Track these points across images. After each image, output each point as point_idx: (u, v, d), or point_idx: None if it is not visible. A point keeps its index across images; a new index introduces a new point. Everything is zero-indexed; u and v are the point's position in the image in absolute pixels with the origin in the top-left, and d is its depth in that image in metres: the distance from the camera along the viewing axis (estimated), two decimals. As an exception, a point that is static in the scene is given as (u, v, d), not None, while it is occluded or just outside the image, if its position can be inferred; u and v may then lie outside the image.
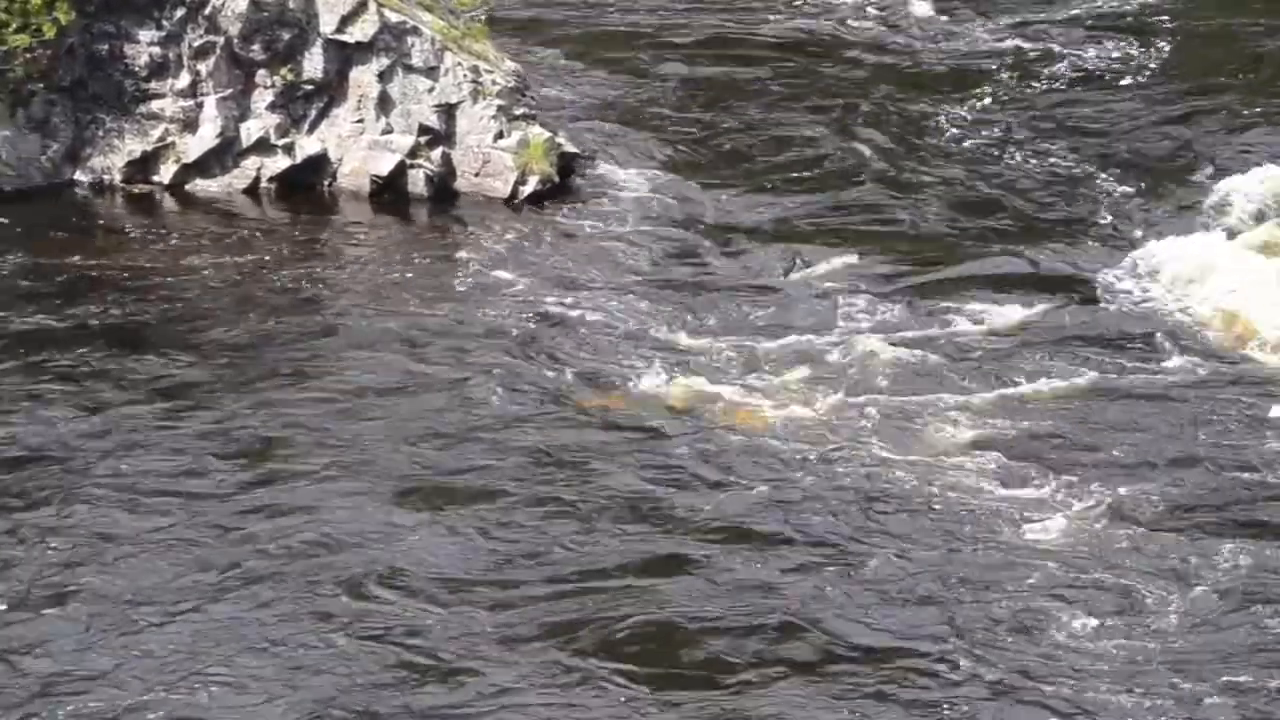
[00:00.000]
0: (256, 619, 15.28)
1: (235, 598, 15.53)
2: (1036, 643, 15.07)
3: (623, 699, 14.51)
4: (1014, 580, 15.83)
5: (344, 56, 23.57)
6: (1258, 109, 25.44)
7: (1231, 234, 22.05)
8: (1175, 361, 19.56)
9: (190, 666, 14.73)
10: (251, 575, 15.80)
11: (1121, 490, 17.14)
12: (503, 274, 21.53)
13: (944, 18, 29.03)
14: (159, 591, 15.57)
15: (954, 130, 25.21)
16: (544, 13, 29.20)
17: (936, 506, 16.90)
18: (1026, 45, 27.72)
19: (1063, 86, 26.49)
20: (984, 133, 25.13)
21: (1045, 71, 26.94)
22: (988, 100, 26.04)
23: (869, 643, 15.04)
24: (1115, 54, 27.36)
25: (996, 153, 24.58)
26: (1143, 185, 23.52)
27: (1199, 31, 28.18)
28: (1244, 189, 22.86)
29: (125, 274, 21.48)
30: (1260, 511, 16.88)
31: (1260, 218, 22.42)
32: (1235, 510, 16.94)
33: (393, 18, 23.53)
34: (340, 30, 23.46)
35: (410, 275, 21.62)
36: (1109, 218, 22.79)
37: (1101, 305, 20.83)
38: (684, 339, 20.01)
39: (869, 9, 29.11)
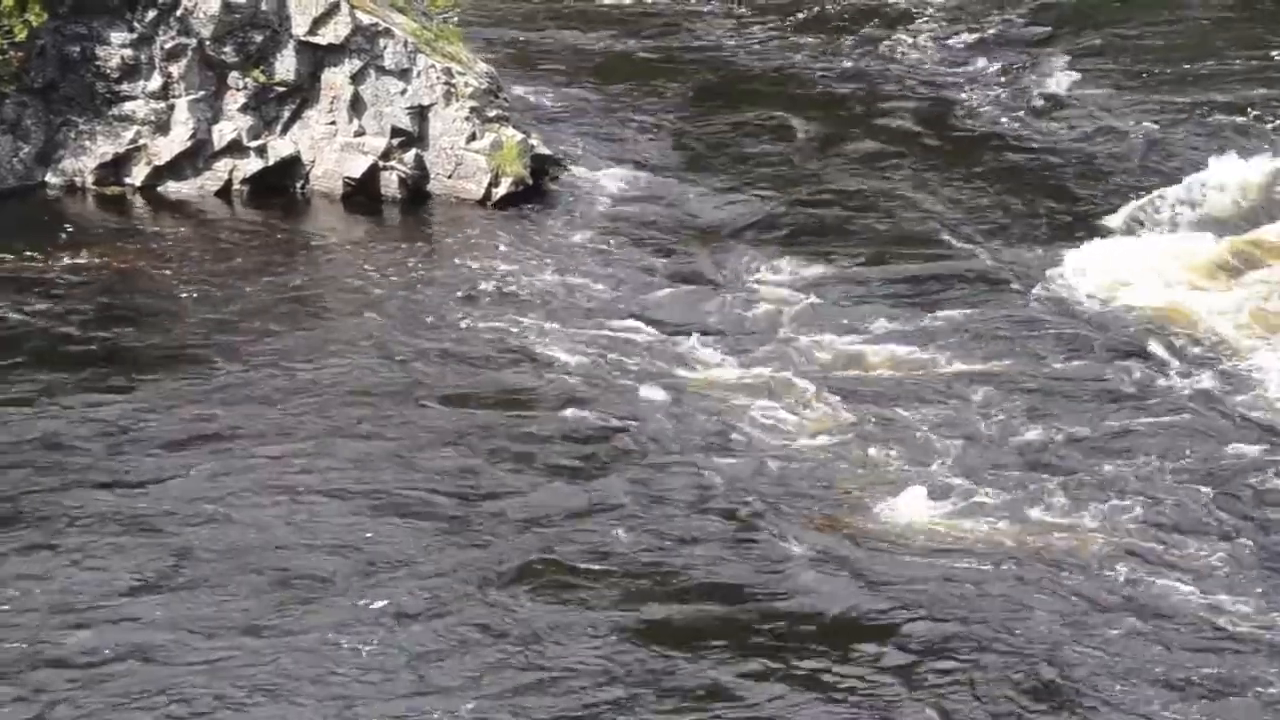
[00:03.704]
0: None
1: (230, 604, 15.47)
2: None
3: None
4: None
5: (316, 58, 23.54)
6: (1206, 113, 25.53)
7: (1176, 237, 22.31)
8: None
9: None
10: (249, 583, 15.75)
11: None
12: (476, 277, 21.47)
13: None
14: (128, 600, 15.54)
15: (933, 127, 25.31)
16: (518, 18, 29.28)
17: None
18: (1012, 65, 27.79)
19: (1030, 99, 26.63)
20: (961, 143, 25.23)
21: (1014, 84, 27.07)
22: (966, 110, 26.13)
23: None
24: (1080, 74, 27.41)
25: (968, 163, 24.66)
26: (1089, 193, 23.66)
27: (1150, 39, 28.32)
28: (1182, 193, 23.05)
29: (96, 275, 21.41)
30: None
31: (1196, 223, 22.62)
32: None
33: (365, 20, 23.50)
34: (312, 32, 23.43)
35: (383, 279, 21.55)
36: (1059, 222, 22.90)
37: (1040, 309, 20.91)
38: (668, 353, 19.91)
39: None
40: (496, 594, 15.51)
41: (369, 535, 16.27)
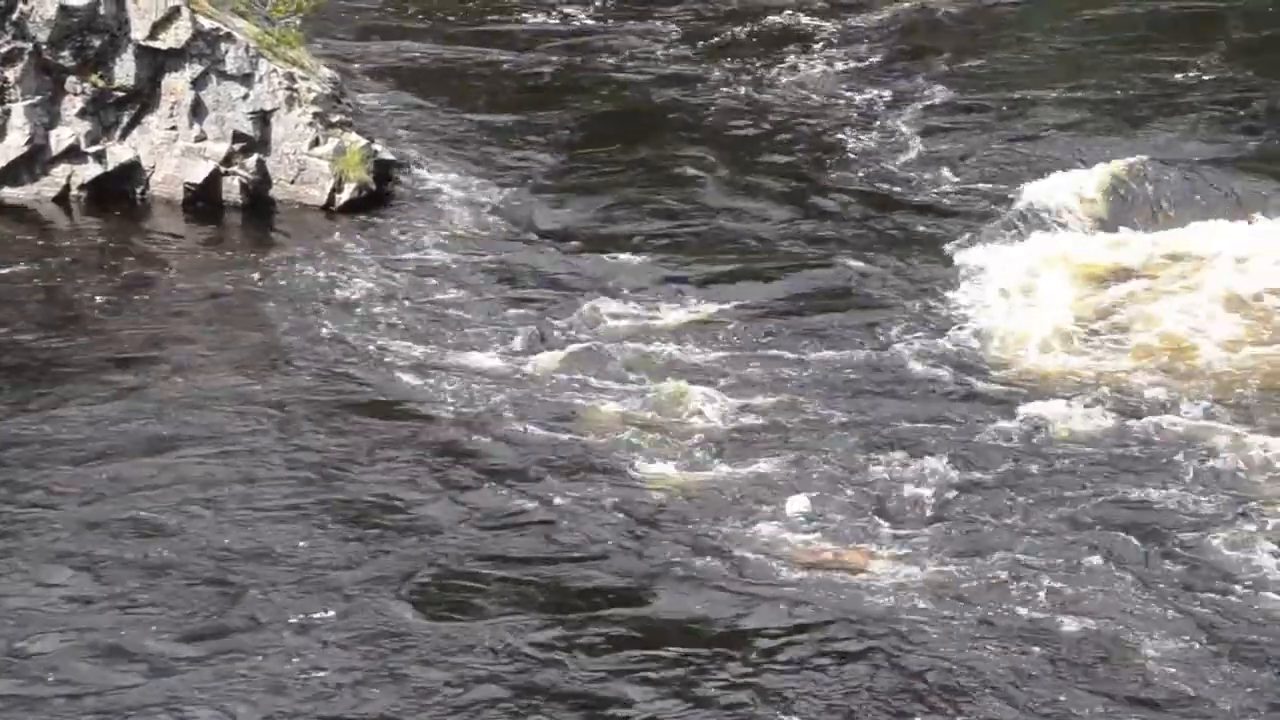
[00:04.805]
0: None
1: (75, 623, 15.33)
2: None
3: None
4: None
5: (156, 63, 23.24)
6: (1070, 118, 25.64)
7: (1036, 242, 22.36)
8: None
9: None
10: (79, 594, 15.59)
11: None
12: (316, 285, 21.30)
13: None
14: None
15: (795, 147, 25.11)
16: (364, 22, 29.01)
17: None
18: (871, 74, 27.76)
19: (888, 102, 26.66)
20: (823, 149, 25.11)
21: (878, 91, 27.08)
22: (826, 117, 26.05)
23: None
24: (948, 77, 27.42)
25: (832, 167, 24.59)
26: (960, 198, 23.65)
27: (1017, 43, 28.40)
28: (1047, 198, 23.09)
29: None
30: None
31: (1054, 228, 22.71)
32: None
33: (206, 24, 23.23)
34: (152, 37, 23.14)
35: (221, 287, 21.31)
36: (929, 229, 22.92)
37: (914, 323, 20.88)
38: (499, 363, 19.78)
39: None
40: (398, 603, 15.53)
41: (259, 548, 16.19)
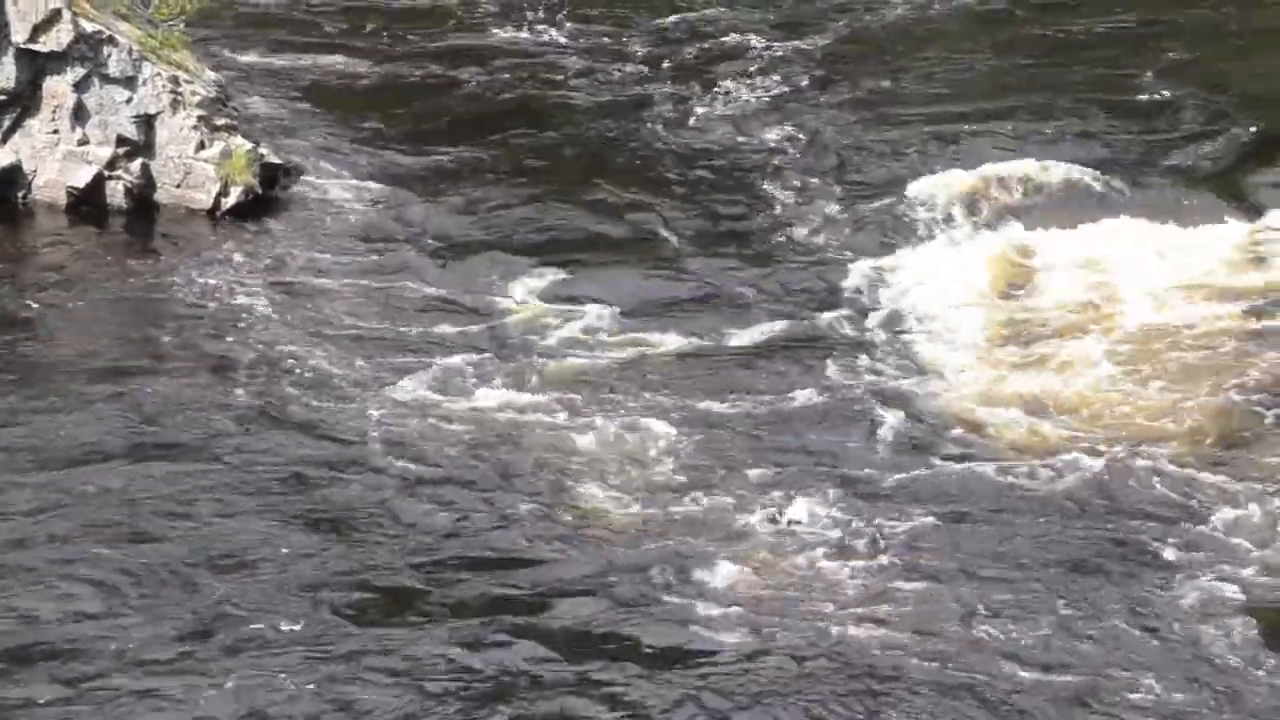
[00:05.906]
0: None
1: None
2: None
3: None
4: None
5: (37, 66, 22.95)
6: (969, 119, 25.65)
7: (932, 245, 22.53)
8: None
9: None
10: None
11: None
12: (200, 291, 21.15)
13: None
14: None
15: (679, 147, 24.95)
16: (250, 26, 28.70)
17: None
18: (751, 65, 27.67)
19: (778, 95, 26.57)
20: (710, 152, 24.95)
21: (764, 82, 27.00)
22: (715, 118, 25.94)
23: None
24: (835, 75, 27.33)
25: (720, 169, 24.44)
26: (855, 199, 23.63)
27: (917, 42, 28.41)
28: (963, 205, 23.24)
29: None
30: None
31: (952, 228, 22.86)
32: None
33: (88, 27, 22.95)
34: (32, 39, 22.85)
35: (103, 294, 21.08)
36: (819, 230, 22.89)
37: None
38: (423, 377, 19.66)
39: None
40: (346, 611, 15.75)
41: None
